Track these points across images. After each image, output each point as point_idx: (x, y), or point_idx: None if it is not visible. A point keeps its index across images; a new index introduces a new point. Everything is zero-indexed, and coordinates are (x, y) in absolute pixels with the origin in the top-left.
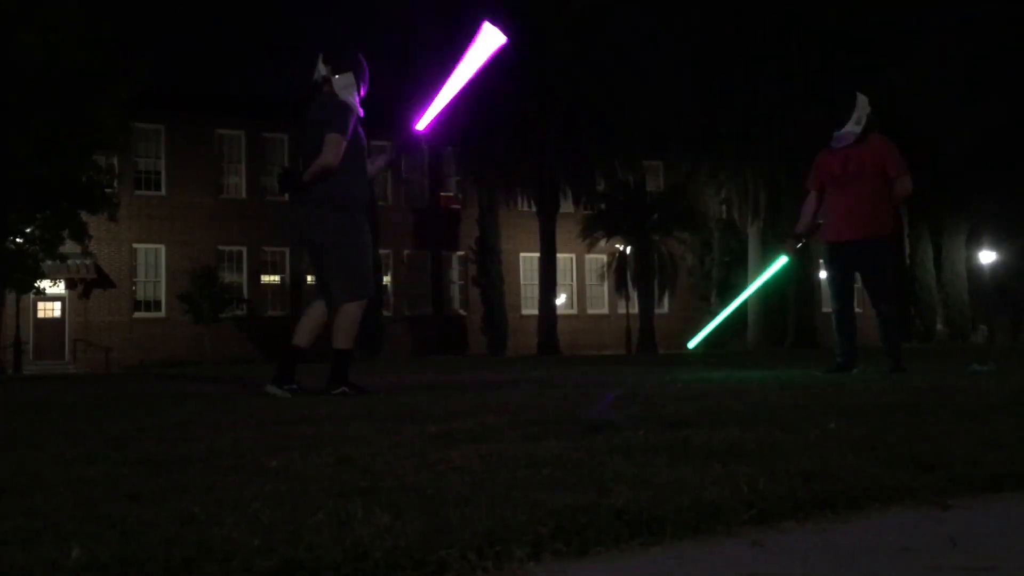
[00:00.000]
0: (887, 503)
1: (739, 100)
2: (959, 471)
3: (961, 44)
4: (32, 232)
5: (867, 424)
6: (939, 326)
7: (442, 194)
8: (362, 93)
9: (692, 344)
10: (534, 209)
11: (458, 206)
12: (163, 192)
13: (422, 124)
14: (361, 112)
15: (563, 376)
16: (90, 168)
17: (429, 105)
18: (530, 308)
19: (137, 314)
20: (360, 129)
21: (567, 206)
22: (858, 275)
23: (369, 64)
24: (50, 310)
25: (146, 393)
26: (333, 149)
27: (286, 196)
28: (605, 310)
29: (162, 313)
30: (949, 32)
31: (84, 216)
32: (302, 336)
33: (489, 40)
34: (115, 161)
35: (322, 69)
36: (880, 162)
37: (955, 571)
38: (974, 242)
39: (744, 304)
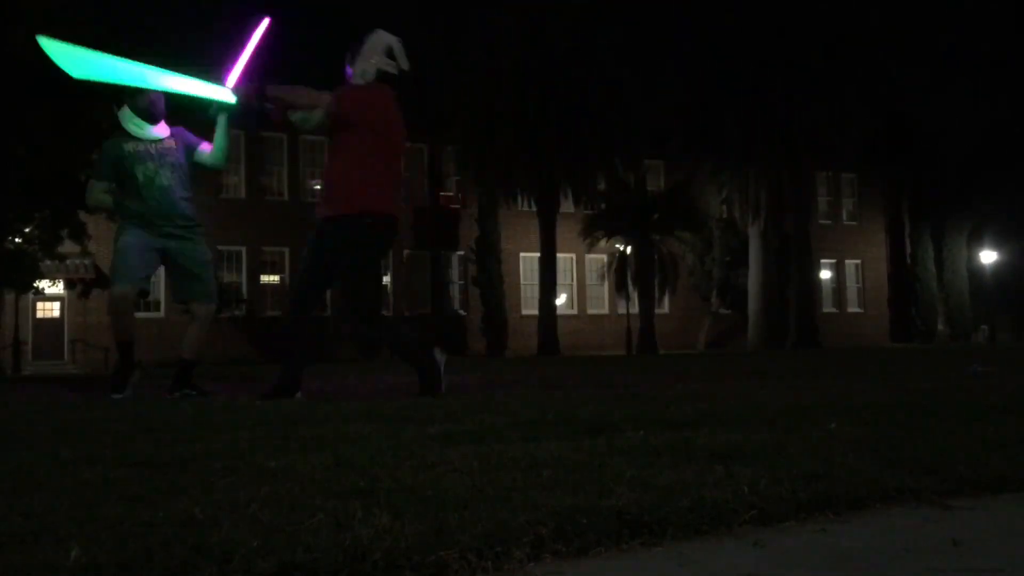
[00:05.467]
0: (889, 504)
1: (741, 99)
2: (961, 472)
3: (965, 42)
4: (30, 232)
5: (868, 425)
6: (940, 326)
7: (442, 194)
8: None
9: None
10: (534, 209)
11: (458, 206)
12: None
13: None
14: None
15: (563, 376)
16: (88, 167)
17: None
18: (530, 308)
19: (135, 314)
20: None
21: (567, 206)
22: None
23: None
24: (49, 310)
25: (143, 394)
26: None
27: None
28: (605, 310)
29: (160, 313)
30: (953, 30)
31: (83, 216)
32: None
33: (261, 29)
34: None
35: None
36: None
37: (957, 573)
38: (976, 241)
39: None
